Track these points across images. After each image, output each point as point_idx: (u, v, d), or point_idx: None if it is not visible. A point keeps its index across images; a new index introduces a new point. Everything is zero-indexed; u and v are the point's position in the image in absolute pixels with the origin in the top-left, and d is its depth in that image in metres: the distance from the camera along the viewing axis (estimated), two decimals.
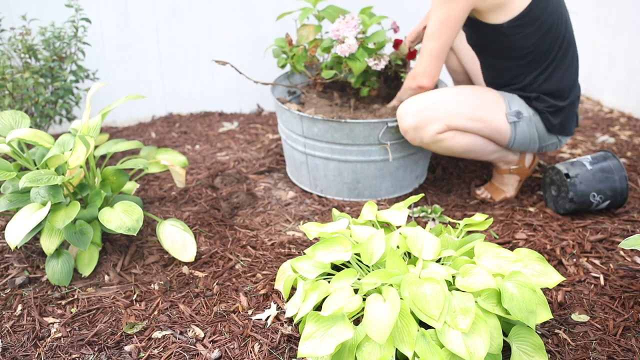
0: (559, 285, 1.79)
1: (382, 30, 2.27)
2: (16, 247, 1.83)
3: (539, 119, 2.10)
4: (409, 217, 2.16)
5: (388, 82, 2.50)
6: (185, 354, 1.56)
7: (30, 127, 2.32)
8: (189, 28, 2.99)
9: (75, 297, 1.78)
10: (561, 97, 2.08)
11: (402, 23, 2.88)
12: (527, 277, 1.43)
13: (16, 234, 1.68)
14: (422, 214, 2.18)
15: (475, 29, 2.04)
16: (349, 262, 1.63)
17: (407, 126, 2.03)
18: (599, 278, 1.83)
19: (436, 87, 2.38)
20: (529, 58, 2.01)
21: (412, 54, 2.34)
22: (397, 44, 2.35)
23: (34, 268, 1.91)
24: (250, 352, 1.56)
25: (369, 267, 1.57)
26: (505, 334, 1.45)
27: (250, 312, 1.71)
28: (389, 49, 2.58)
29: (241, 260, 1.94)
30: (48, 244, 1.81)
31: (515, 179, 2.30)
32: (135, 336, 1.62)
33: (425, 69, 2.02)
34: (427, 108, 2.01)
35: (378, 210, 1.94)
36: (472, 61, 2.39)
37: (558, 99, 2.07)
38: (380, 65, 2.23)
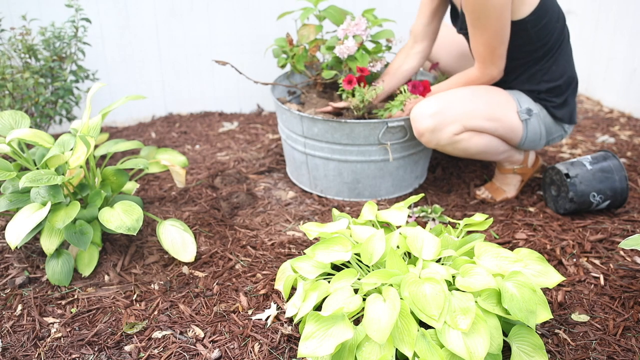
0: (559, 285, 1.79)
1: (387, 30, 2.30)
2: (16, 247, 1.83)
3: (546, 113, 2.12)
4: (409, 217, 2.16)
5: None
6: (185, 354, 1.56)
7: (30, 127, 2.32)
8: (189, 28, 2.99)
9: (75, 297, 1.78)
10: (568, 83, 2.11)
11: (399, 23, 2.89)
12: (527, 277, 1.43)
13: (16, 234, 1.68)
14: (422, 214, 2.18)
15: None
16: (349, 262, 1.63)
17: (424, 128, 2.00)
18: (599, 278, 1.83)
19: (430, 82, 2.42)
20: (544, 50, 2.02)
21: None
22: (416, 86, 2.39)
23: (34, 268, 1.91)
24: (250, 352, 1.56)
25: (369, 267, 1.57)
26: (505, 334, 1.45)
27: (250, 312, 1.71)
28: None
29: (241, 260, 1.94)
30: (48, 244, 1.81)
31: (518, 179, 2.30)
32: (135, 336, 1.62)
33: (501, 70, 2.05)
34: (444, 109, 1.99)
35: (378, 210, 1.94)
36: (448, 59, 2.44)
37: (565, 86, 2.10)
38: (376, 67, 2.24)
